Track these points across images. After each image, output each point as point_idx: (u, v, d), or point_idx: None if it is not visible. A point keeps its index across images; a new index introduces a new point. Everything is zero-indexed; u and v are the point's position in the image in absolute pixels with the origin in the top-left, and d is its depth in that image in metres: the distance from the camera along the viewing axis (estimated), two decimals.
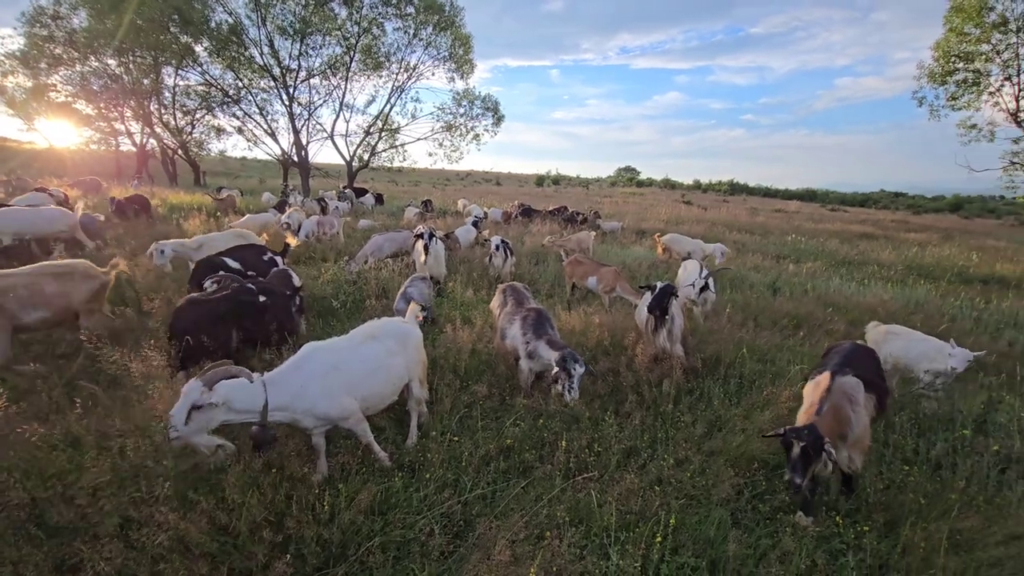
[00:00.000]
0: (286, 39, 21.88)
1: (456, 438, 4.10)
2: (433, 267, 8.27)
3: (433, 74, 24.04)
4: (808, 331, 7.20)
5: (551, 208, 20.22)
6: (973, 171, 15.07)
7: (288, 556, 2.77)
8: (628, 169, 76.81)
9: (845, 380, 3.64)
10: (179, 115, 27.12)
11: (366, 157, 25.07)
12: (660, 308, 5.17)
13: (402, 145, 25.15)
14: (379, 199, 22.47)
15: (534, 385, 4.98)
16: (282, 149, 25.27)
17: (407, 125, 25.19)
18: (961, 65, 15.15)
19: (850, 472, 3.63)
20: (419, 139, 25.22)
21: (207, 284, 5.43)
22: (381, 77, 23.88)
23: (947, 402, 5.08)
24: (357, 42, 22.35)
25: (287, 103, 23.32)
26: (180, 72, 24.68)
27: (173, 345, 4.38)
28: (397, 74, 23.85)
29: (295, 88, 23.12)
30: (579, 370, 4.28)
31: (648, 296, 5.46)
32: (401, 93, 24.39)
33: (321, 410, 3.46)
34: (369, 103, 25.16)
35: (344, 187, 23.31)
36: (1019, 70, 14.26)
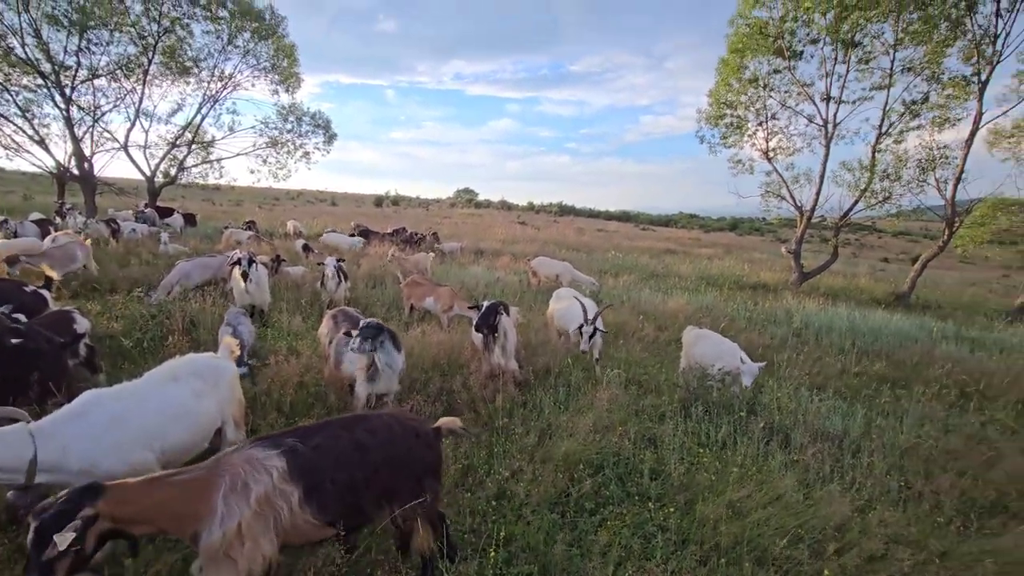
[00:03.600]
0: (58, 30, 18.31)
1: None
2: (255, 295, 7.53)
3: (253, 85, 21.99)
4: (624, 338, 8.06)
5: (390, 229, 19.87)
6: (741, 197, 18.36)
7: None
8: (467, 191, 78.86)
9: (254, 453, 2.40)
10: None
11: (172, 172, 21.97)
12: (487, 326, 5.34)
13: (218, 160, 22.58)
14: (190, 220, 19.87)
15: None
16: (56, 160, 20.97)
17: (223, 138, 22.71)
18: (728, 111, 18.49)
19: None
20: (239, 154, 22.89)
21: None
22: (189, 84, 21.24)
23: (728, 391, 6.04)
24: (157, 42, 19.62)
25: (62, 106, 19.46)
26: None
27: None
28: (209, 82, 21.44)
29: (73, 89, 19.44)
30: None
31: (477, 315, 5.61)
32: (215, 103, 21.98)
33: (104, 469, 2.88)
34: (174, 112, 22.04)
35: (144, 206, 20.14)
36: (767, 118, 17.79)
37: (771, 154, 17.96)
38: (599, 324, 6.48)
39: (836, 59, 15.97)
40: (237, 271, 7.31)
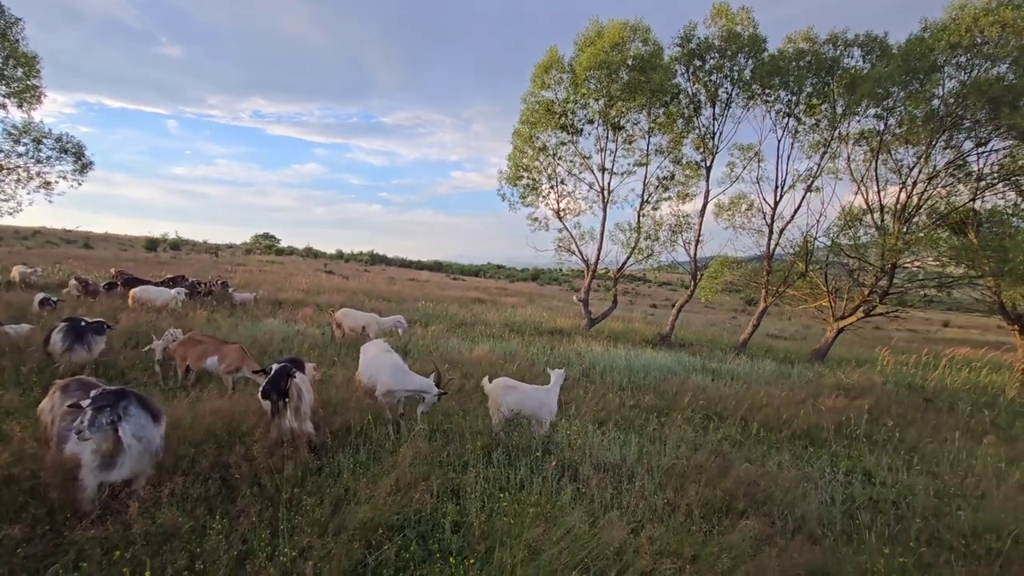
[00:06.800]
0: None
1: None
2: None
3: None
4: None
5: (167, 276, 17.13)
6: (538, 251, 20.20)
7: None
8: (267, 236, 72.08)
9: None
10: None
11: None
12: (277, 391, 4.84)
13: None
14: None
15: (109, 507, 3.85)
16: None
17: None
18: (525, 174, 20.38)
19: None
20: None
21: None
22: None
23: (527, 433, 6.37)
24: None
25: None
26: None
27: None
28: None
29: None
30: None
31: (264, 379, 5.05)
32: None
33: None
34: None
35: None
36: (557, 182, 20.07)
37: (562, 214, 20.25)
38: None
39: (608, 138, 18.98)
40: None
